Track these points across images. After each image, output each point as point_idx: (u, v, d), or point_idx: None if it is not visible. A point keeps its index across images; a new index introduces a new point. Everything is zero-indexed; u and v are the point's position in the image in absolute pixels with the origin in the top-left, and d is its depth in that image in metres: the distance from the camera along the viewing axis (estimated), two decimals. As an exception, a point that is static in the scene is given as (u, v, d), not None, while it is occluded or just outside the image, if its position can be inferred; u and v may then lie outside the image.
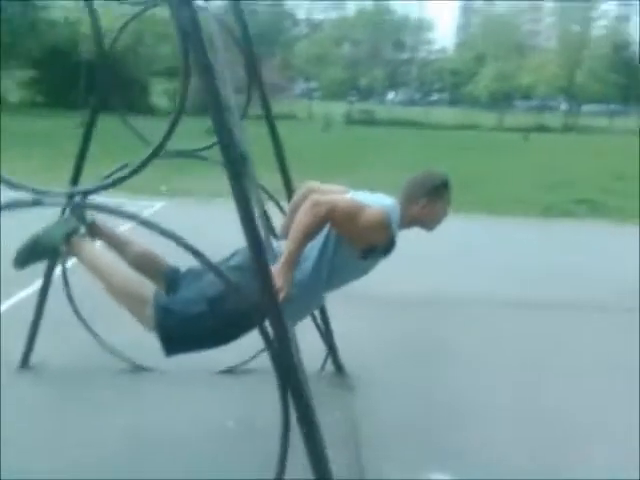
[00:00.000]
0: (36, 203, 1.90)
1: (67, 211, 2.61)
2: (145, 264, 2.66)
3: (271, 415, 3.23)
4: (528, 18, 57.50)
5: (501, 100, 38.96)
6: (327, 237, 2.47)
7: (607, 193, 11.10)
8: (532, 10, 63.20)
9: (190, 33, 1.86)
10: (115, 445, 2.90)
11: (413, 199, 2.55)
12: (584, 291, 5.57)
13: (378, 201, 2.52)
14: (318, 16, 67.07)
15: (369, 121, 29.40)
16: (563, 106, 44.03)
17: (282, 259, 2.32)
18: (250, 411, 3.28)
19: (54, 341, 3.79)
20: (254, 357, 3.51)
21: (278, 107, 27.85)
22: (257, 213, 2.41)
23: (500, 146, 21.10)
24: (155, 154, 1.92)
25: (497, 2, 53.02)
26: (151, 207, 7.98)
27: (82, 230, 2.60)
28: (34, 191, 1.92)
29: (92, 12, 3.18)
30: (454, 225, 8.49)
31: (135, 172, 1.90)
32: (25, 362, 3.65)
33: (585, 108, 42.61)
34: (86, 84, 22.77)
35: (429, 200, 2.54)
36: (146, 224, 1.86)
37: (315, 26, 61.53)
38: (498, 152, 18.68)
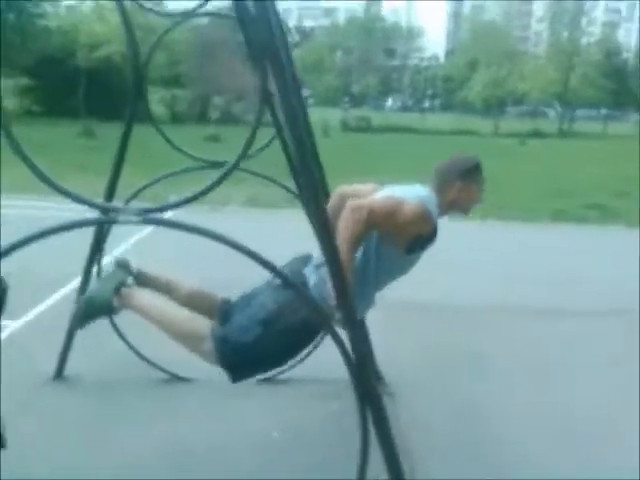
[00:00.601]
0: (111, 221, 1.84)
1: (112, 266, 2.62)
2: (197, 302, 2.66)
3: (314, 424, 3.24)
4: (517, 24, 57.91)
5: (495, 106, 39.14)
6: (370, 237, 2.45)
7: (616, 198, 11.13)
8: (520, 16, 63.73)
9: (268, 53, 1.80)
10: (155, 455, 2.88)
11: (448, 184, 2.55)
12: (603, 297, 5.56)
13: (414, 193, 2.50)
14: (309, 23, 67.36)
15: (366, 128, 29.38)
16: (555, 112, 44.32)
17: None
18: (292, 421, 3.26)
19: (88, 351, 3.72)
20: (293, 367, 3.47)
21: (274, 114, 27.77)
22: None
23: (499, 152, 21.10)
24: (232, 170, 1.87)
25: (485, 7, 53.33)
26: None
27: (130, 281, 2.61)
28: (106, 209, 1.86)
29: (129, 27, 3.10)
30: (467, 231, 8.51)
31: (213, 187, 1.84)
32: (59, 373, 3.57)
33: (578, 113, 42.94)
34: (85, 92, 22.72)
35: (464, 184, 2.55)
36: (225, 241, 1.80)
37: (306, 34, 61.75)
38: (498, 158, 18.63)
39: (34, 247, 1.73)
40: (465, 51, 50.71)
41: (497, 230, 8.49)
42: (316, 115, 31.06)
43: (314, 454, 2.86)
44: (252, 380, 3.58)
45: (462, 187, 2.55)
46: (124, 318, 3.59)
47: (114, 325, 3.63)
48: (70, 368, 3.61)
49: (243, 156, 1.87)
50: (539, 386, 3.85)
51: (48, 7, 27.65)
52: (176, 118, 27.03)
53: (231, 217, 8.26)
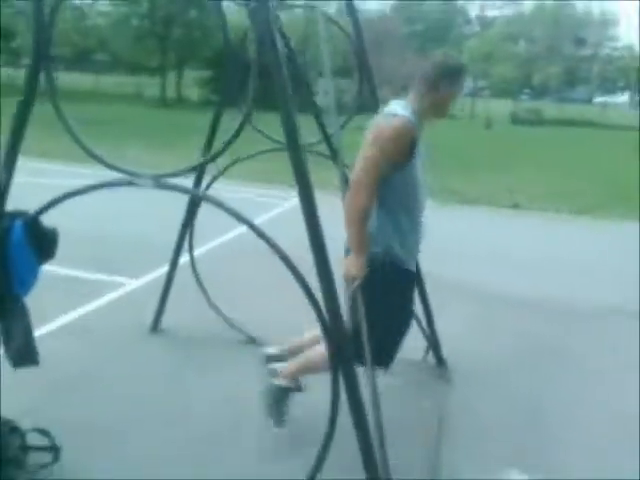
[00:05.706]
0: (129, 183, 2.18)
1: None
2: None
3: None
4: None
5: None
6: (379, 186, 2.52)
7: None
8: None
9: (264, 34, 2.02)
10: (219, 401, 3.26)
11: (431, 87, 2.53)
12: None
13: (391, 113, 2.53)
14: (492, 13, 65.14)
15: (535, 121, 27.94)
16: None
17: (353, 250, 2.50)
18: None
19: (183, 310, 4.24)
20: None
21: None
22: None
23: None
24: (227, 146, 2.12)
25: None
26: (285, 200, 8.44)
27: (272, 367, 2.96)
28: (128, 173, 2.20)
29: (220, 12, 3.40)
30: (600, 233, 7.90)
31: (207, 162, 2.11)
32: (155, 327, 4.09)
33: None
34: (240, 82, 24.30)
35: (447, 86, 2.53)
36: (213, 202, 2.06)
37: (487, 24, 59.77)
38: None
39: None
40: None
41: None
42: (481, 107, 30.11)
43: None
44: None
45: (445, 89, 2.53)
46: (214, 287, 4.14)
47: (207, 296, 4.15)
48: (165, 323, 4.12)
49: (240, 131, 2.11)
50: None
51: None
52: (341, 108, 27.74)
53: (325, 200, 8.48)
